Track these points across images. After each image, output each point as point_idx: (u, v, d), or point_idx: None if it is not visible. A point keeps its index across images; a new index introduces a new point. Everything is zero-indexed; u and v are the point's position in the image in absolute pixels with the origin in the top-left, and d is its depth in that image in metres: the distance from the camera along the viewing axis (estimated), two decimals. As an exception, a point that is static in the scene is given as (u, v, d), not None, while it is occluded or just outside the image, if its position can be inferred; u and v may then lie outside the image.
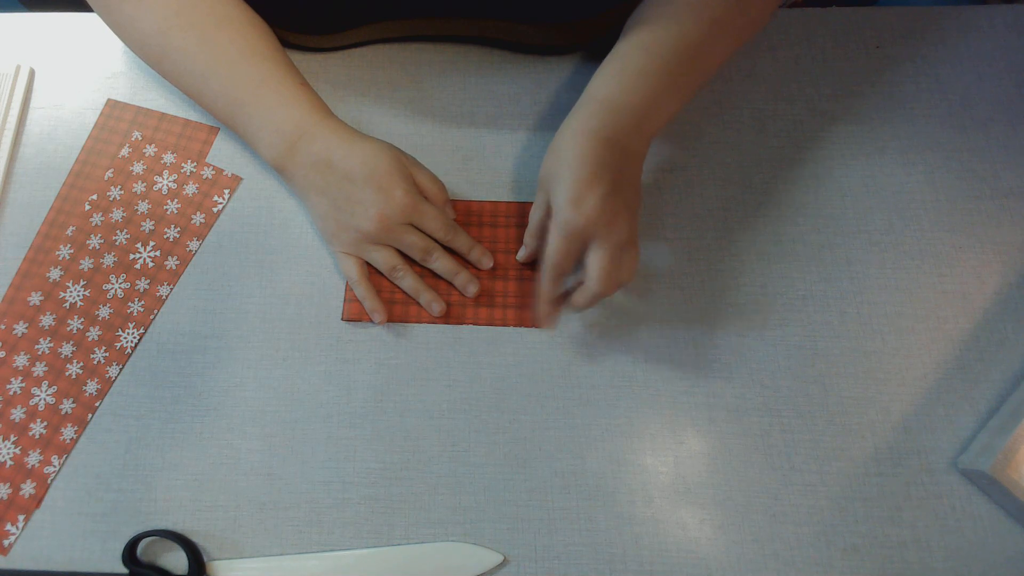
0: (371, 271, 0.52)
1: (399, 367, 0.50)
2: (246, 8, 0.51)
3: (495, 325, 0.51)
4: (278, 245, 0.53)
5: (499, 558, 0.45)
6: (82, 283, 0.52)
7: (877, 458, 0.48)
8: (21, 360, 0.50)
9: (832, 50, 0.58)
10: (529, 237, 0.50)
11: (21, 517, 0.47)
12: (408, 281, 0.50)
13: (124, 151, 0.55)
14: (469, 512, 0.47)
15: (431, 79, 0.58)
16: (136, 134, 0.56)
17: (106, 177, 0.54)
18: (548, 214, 0.47)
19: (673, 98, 0.47)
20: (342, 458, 0.48)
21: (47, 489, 0.47)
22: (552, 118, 0.56)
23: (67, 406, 0.49)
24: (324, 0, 0.51)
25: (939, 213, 0.53)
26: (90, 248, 0.52)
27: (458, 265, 0.51)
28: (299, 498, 0.47)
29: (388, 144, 0.50)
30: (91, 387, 0.49)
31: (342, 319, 0.51)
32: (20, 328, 0.51)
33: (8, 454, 0.48)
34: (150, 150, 0.55)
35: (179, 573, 0.45)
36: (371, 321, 0.51)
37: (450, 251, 0.51)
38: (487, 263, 0.51)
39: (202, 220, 0.54)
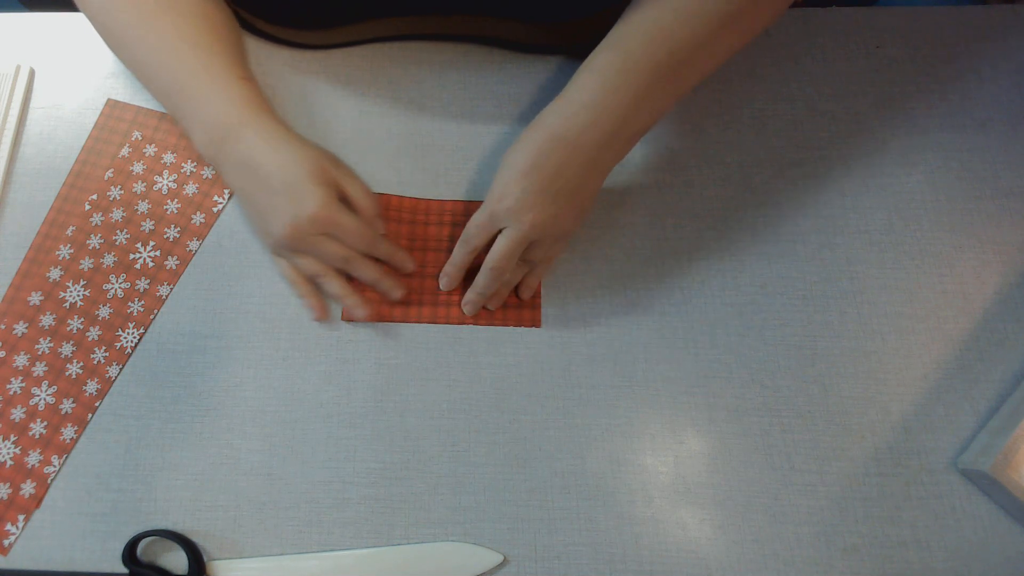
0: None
1: (399, 367, 0.50)
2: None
3: (495, 325, 0.51)
4: (278, 245, 0.53)
5: (499, 558, 0.45)
6: (82, 283, 0.52)
7: (877, 458, 0.48)
8: (21, 360, 0.50)
9: (832, 50, 0.58)
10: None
11: (21, 517, 0.47)
12: (332, 287, 0.49)
13: (124, 151, 0.55)
14: (469, 512, 0.47)
15: (431, 79, 0.58)
16: (136, 134, 0.56)
17: (106, 177, 0.54)
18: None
19: (634, 96, 0.44)
20: (342, 458, 0.48)
21: (47, 489, 0.47)
22: (552, 118, 0.56)
23: (67, 406, 0.49)
24: None
25: (939, 213, 0.53)
26: (90, 248, 0.52)
27: (380, 272, 0.49)
28: (299, 498, 0.47)
29: (317, 151, 0.49)
30: (91, 387, 0.49)
31: (342, 319, 0.51)
32: (20, 328, 0.51)
33: (8, 454, 0.48)
34: (150, 150, 0.55)
35: (179, 573, 0.45)
36: (372, 321, 0.51)
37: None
38: (409, 267, 0.51)
39: (202, 220, 0.54)
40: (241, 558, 0.46)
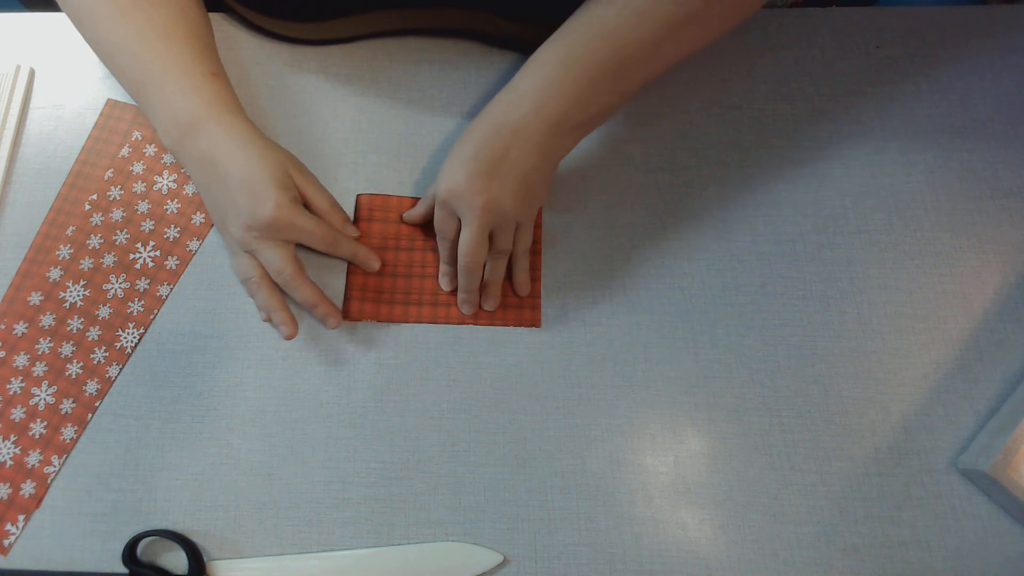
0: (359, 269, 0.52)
1: (399, 367, 0.50)
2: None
3: (495, 325, 0.51)
4: (278, 245, 0.53)
5: (499, 558, 0.45)
6: (82, 283, 0.52)
7: (877, 458, 0.48)
8: (21, 360, 0.50)
9: (832, 50, 0.58)
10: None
11: (21, 517, 0.47)
12: (259, 297, 0.49)
13: (124, 151, 0.55)
14: (469, 512, 0.47)
15: (431, 78, 0.58)
16: (136, 134, 0.56)
17: (106, 177, 0.54)
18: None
19: (575, 89, 0.45)
20: (342, 458, 0.48)
21: (47, 489, 0.47)
22: (552, 118, 0.56)
23: (67, 406, 0.49)
24: None
25: (939, 213, 0.53)
26: (90, 248, 0.52)
27: (317, 297, 0.49)
28: (299, 498, 0.47)
29: (281, 153, 0.50)
30: (91, 387, 0.49)
31: (342, 318, 0.51)
32: (20, 328, 0.51)
33: (8, 454, 0.48)
34: (150, 150, 0.55)
35: (179, 573, 0.45)
36: (372, 320, 0.51)
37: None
38: (374, 265, 0.51)
39: (202, 220, 0.54)
40: (241, 558, 0.46)
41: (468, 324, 0.51)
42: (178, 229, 0.53)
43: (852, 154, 0.55)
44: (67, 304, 0.51)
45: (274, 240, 0.48)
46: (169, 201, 0.54)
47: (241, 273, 0.50)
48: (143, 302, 0.51)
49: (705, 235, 0.53)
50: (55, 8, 0.59)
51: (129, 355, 0.50)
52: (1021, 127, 0.55)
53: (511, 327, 0.51)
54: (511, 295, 0.52)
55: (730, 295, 0.52)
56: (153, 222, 0.53)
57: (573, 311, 0.51)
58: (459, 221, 0.47)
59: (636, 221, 0.54)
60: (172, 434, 0.49)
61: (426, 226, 0.53)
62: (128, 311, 0.51)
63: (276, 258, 0.48)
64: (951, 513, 0.47)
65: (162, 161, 0.55)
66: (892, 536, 0.46)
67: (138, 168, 0.55)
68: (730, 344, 0.50)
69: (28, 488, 0.47)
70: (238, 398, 0.49)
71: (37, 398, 0.49)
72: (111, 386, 0.50)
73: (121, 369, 0.50)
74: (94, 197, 0.54)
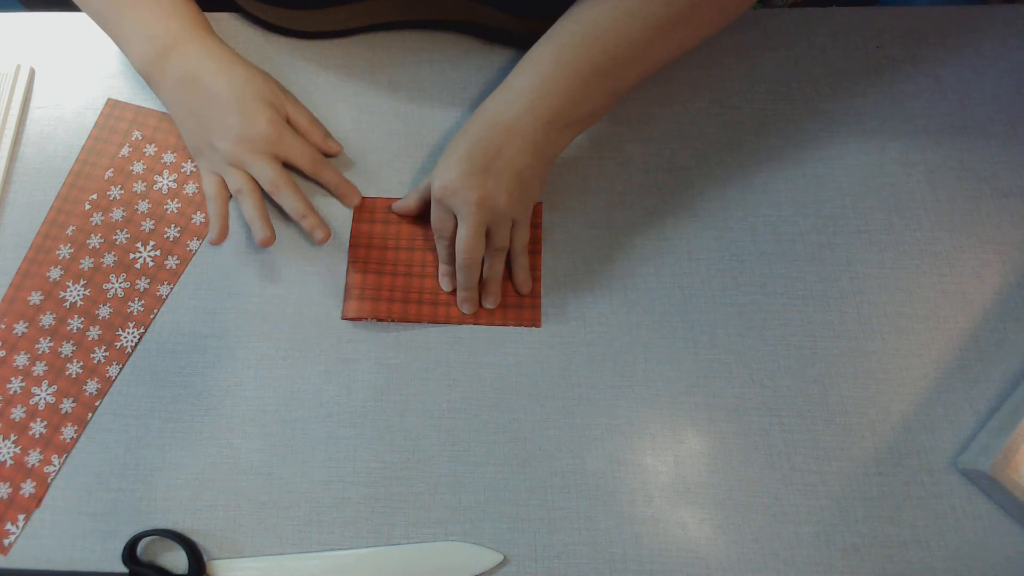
0: (376, 268, 0.52)
1: (399, 367, 0.50)
2: None
3: (495, 325, 0.51)
4: (278, 245, 0.53)
5: (499, 557, 0.45)
6: (82, 282, 0.52)
7: (877, 458, 0.48)
8: (21, 359, 0.50)
9: (832, 50, 0.58)
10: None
11: (21, 517, 0.47)
12: (248, 204, 0.51)
13: (124, 150, 0.55)
14: (469, 512, 0.47)
15: (431, 78, 0.58)
16: (136, 134, 0.56)
17: (106, 176, 0.54)
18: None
19: (567, 88, 0.45)
20: (342, 458, 0.48)
21: (47, 488, 0.47)
22: (552, 118, 0.56)
23: (67, 405, 0.49)
24: None
25: (939, 213, 0.53)
26: (90, 247, 0.52)
27: (305, 208, 0.51)
28: (299, 498, 0.47)
29: (263, 74, 0.52)
30: (91, 386, 0.49)
31: (342, 319, 0.51)
32: (20, 328, 0.51)
33: (8, 453, 0.48)
34: (150, 149, 0.55)
35: (179, 572, 0.45)
36: (372, 320, 0.51)
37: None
38: (354, 199, 0.53)
39: (202, 219, 0.54)
40: (241, 557, 0.46)
41: (468, 324, 0.51)
42: (178, 229, 0.53)
43: (852, 154, 0.55)
44: (67, 304, 0.51)
45: (264, 153, 0.50)
46: (169, 201, 0.54)
47: (232, 185, 0.51)
48: (143, 302, 0.51)
49: (705, 235, 0.53)
50: (55, 8, 0.59)
51: (129, 355, 0.50)
52: (1021, 127, 0.55)
53: (511, 327, 0.51)
54: (511, 295, 0.52)
55: (730, 295, 0.52)
56: (153, 222, 0.53)
57: (573, 311, 0.51)
58: (455, 219, 0.48)
59: (636, 221, 0.54)
60: (172, 434, 0.49)
61: (425, 226, 0.53)
62: (128, 311, 0.51)
63: (268, 169, 0.50)
64: (951, 513, 0.47)
65: (162, 161, 0.55)
66: (892, 536, 0.46)
67: (138, 168, 0.55)
68: (730, 344, 0.50)
69: (28, 488, 0.47)
70: (238, 398, 0.49)
71: (37, 398, 0.49)
72: (111, 386, 0.50)
73: (121, 369, 0.50)
74: (94, 197, 0.54)
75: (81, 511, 0.47)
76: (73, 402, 0.49)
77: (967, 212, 0.53)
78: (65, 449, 0.48)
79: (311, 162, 0.52)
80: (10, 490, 0.47)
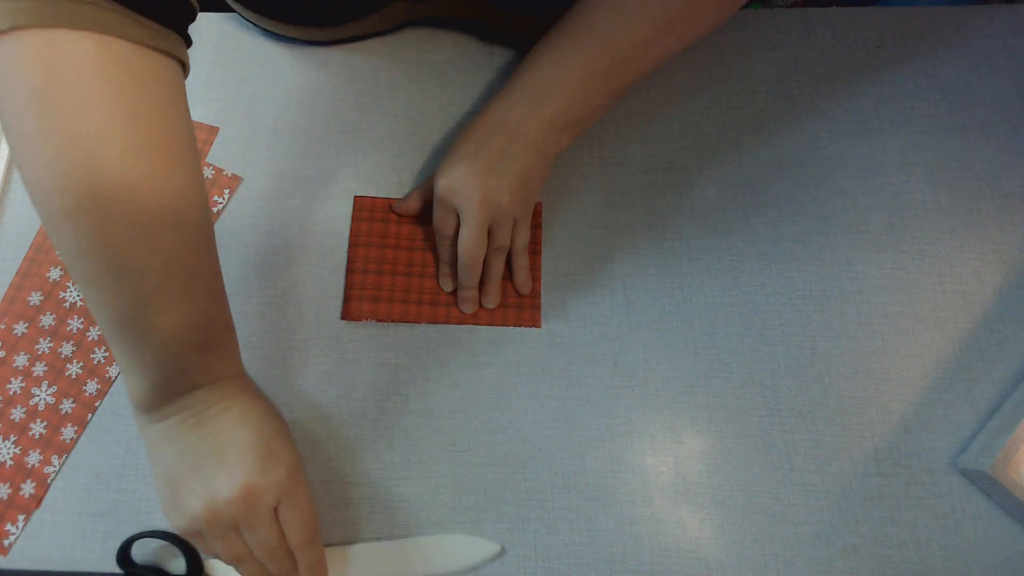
0: (376, 267, 0.52)
1: (399, 367, 0.50)
2: (196, 204, 0.37)
3: (495, 325, 0.51)
4: (278, 245, 0.53)
5: (496, 548, 0.45)
6: (82, 283, 0.52)
7: (877, 458, 0.48)
8: (21, 360, 0.50)
9: (832, 50, 0.58)
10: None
11: (21, 517, 0.47)
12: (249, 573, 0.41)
13: (124, 151, 0.55)
14: (469, 512, 0.47)
15: (431, 78, 0.58)
16: (136, 134, 0.56)
17: (106, 177, 0.54)
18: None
19: (568, 88, 0.46)
20: (342, 458, 0.48)
21: (47, 489, 0.47)
22: (552, 118, 0.56)
23: (67, 406, 0.49)
24: None
25: (939, 213, 0.53)
26: (90, 248, 0.52)
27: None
28: (299, 498, 0.47)
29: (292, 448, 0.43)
30: (91, 387, 0.49)
31: (342, 319, 0.51)
32: (20, 328, 0.51)
33: (8, 454, 0.48)
34: (150, 150, 0.55)
35: (177, 573, 0.45)
36: (371, 320, 0.51)
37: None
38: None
39: (202, 220, 0.54)
40: (241, 558, 0.46)
41: (468, 324, 0.51)
42: (178, 229, 0.53)
43: (852, 154, 0.55)
44: (67, 304, 0.51)
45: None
46: (169, 201, 0.54)
47: (225, 557, 0.40)
48: (143, 302, 0.51)
49: (705, 235, 0.53)
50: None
51: (129, 355, 0.50)
52: (1021, 127, 0.55)
53: (511, 327, 0.51)
54: (511, 295, 0.52)
55: (730, 295, 0.52)
56: (153, 222, 0.53)
57: (573, 311, 0.51)
58: (457, 218, 0.48)
59: (636, 221, 0.54)
60: (172, 434, 0.49)
61: (425, 226, 0.53)
62: (128, 311, 0.51)
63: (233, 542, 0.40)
64: (951, 513, 0.47)
65: (162, 161, 0.55)
66: (892, 536, 0.46)
67: (138, 168, 0.55)
68: (730, 344, 0.50)
69: (28, 488, 0.47)
70: (238, 398, 0.49)
71: (37, 398, 0.49)
72: (111, 386, 0.50)
73: (121, 369, 0.50)
74: (94, 197, 0.54)
75: (81, 511, 0.47)
76: (73, 402, 0.49)
77: (967, 212, 0.53)
78: (65, 449, 0.48)
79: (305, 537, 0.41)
80: (10, 490, 0.47)
